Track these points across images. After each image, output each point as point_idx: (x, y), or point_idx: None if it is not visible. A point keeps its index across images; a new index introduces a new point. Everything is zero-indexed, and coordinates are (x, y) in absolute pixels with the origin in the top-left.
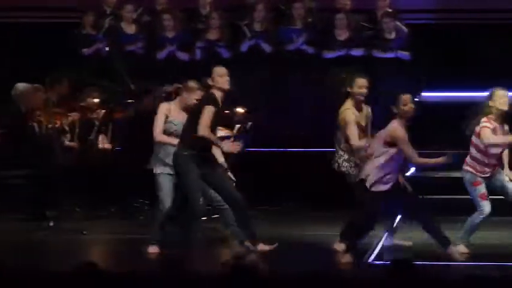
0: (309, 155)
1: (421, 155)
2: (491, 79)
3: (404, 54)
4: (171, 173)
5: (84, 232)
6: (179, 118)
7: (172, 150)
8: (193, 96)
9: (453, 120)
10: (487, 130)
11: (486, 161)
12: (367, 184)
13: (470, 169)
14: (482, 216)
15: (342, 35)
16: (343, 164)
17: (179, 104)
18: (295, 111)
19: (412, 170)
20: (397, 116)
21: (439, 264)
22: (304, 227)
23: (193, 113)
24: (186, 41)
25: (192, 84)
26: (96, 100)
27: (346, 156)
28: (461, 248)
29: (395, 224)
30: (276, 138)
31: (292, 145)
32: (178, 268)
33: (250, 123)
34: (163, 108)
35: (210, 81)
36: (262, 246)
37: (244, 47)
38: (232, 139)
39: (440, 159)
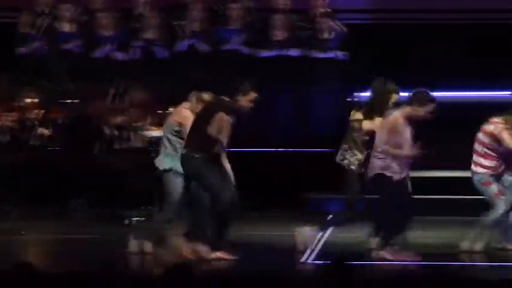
0: (247, 154)
1: None
2: (429, 79)
3: (342, 54)
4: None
5: (23, 232)
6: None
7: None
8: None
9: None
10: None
11: (494, 156)
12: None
13: (480, 169)
14: (497, 214)
15: (280, 35)
16: (354, 163)
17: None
18: None
19: None
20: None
21: (377, 264)
22: (244, 228)
23: (203, 118)
24: (123, 40)
25: (206, 96)
26: (33, 100)
27: (359, 157)
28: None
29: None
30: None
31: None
32: (114, 268)
33: None
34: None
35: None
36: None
37: (181, 46)
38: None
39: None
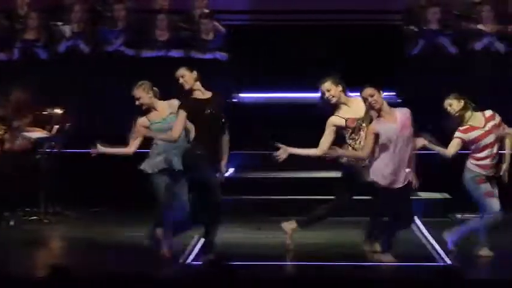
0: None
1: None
2: (307, 79)
3: (222, 55)
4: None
5: None
6: None
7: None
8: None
9: (271, 120)
10: None
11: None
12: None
13: (474, 167)
14: (492, 216)
15: (162, 35)
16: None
17: None
18: (112, 112)
19: (231, 170)
20: None
21: (259, 264)
22: (116, 229)
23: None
24: (3, 41)
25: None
26: None
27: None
28: (486, 251)
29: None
30: (94, 139)
31: (111, 145)
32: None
33: (68, 124)
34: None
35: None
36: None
37: (61, 47)
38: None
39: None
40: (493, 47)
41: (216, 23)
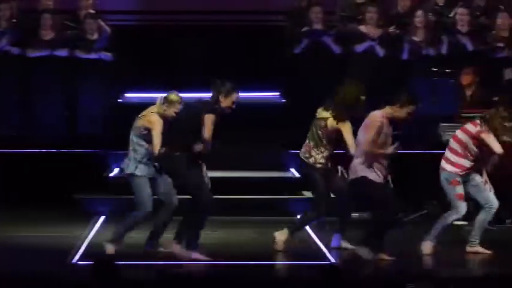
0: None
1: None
2: (194, 79)
3: (107, 55)
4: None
5: None
6: None
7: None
8: (173, 110)
9: None
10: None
11: (469, 156)
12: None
13: (450, 167)
14: (456, 216)
15: (47, 35)
16: (320, 161)
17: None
18: None
19: (115, 170)
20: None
21: (145, 264)
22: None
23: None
24: None
25: (173, 97)
26: None
27: (326, 154)
28: (428, 247)
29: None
30: None
31: (5, 146)
32: None
33: None
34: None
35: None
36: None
37: None
38: None
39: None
40: (371, 50)
41: (102, 23)
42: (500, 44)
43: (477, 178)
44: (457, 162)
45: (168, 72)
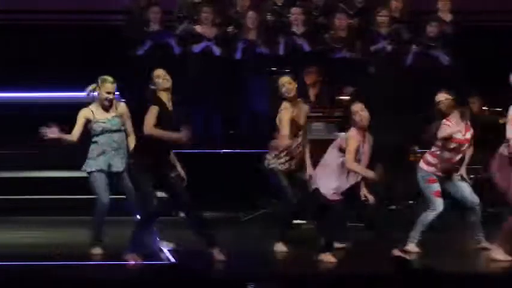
0: None
1: None
2: (37, 80)
3: None
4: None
5: None
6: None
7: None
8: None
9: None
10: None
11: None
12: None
13: (427, 167)
14: (435, 213)
15: None
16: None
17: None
18: None
19: None
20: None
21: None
22: None
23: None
24: None
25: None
26: None
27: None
28: (412, 247)
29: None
30: None
31: None
32: None
33: None
34: (83, 113)
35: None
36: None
37: None
38: None
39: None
40: (208, 50)
41: None
42: (339, 45)
43: (455, 178)
44: (431, 162)
45: (23, 72)
